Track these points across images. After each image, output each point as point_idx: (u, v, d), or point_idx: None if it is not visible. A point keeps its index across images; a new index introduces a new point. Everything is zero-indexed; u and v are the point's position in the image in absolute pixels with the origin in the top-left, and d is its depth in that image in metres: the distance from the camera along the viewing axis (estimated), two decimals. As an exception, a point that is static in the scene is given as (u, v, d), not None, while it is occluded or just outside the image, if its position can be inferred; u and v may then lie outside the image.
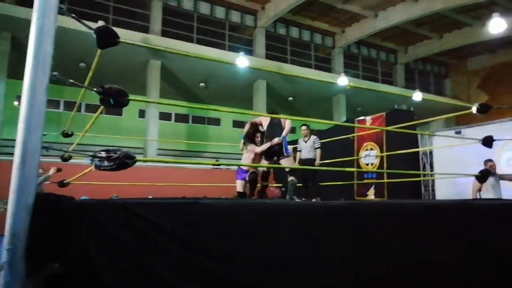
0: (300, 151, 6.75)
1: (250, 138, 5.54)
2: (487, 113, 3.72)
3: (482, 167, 3.96)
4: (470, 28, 16.94)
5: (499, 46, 18.92)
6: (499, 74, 19.54)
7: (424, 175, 8.81)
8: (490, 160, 6.01)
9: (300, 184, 6.22)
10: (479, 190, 5.89)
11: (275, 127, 5.35)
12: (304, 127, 6.74)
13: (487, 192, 5.84)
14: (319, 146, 6.63)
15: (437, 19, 16.49)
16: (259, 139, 5.54)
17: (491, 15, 13.26)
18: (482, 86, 20.54)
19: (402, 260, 2.60)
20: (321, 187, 6.83)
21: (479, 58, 20.63)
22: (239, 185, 5.82)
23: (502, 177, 6.03)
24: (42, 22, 1.87)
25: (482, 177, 3.95)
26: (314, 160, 6.56)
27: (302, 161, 6.64)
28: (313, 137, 6.71)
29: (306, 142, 6.69)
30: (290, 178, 5.43)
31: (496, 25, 13.11)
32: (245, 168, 5.75)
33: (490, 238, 3.00)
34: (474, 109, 3.73)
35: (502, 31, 13.80)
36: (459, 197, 7.57)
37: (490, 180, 5.83)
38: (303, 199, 5.99)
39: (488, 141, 3.97)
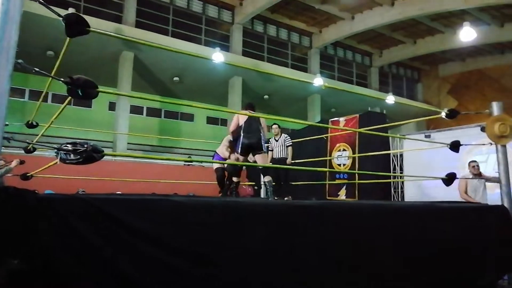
0: (272, 150, 6.78)
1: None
2: (455, 118, 3.82)
3: (448, 171, 4.01)
4: (443, 35, 17.47)
5: (468, 55, 19.66)
6: (468, 82, 20.30)
7: (394, 177, 9.00)
8: (473, 161, 5.87)
9: (274, 183, 6.26)
10: (466, 192, 5.78)
11: (253, 121, 5.49)
12: (275, 126, 6.84)
13: (472, 193, 5.79)
14: (290, 144, 6.71)
15: (411, 25, 16.93)
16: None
17: (462, 24, 13.76)
18: (452, 92, 21.26)
19: (370, 260, 2.64)
20: (292, 186, 6.88)
21: (449, 65, 21.33)
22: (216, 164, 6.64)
23: (489, 179, 5.69)
24: (7, 7, 1.76)
25: (448, 180, 4.03)
26: (286, 158, 6.61)
27: (275, 160, 6.66)
28: (283, 135, 6.79)
29: (277, 140, 6.75)
30: (267, 179, 5.50)
31: (466, 34, 13.63)
32: (220, 152, 6.54)
33: (452, 238, 3.08)
34: (443, 114, 3.82)
35: (471, 40, 14.37)
36: (426, 198, 7.78)
37: (473, 182, 5.85)
38: (276, 198, 6.00)
39: (455, 146, 4.08)
